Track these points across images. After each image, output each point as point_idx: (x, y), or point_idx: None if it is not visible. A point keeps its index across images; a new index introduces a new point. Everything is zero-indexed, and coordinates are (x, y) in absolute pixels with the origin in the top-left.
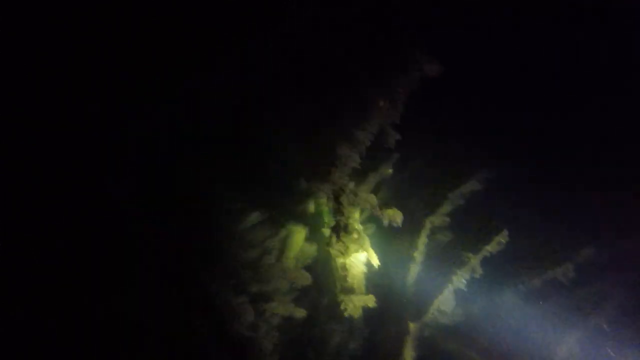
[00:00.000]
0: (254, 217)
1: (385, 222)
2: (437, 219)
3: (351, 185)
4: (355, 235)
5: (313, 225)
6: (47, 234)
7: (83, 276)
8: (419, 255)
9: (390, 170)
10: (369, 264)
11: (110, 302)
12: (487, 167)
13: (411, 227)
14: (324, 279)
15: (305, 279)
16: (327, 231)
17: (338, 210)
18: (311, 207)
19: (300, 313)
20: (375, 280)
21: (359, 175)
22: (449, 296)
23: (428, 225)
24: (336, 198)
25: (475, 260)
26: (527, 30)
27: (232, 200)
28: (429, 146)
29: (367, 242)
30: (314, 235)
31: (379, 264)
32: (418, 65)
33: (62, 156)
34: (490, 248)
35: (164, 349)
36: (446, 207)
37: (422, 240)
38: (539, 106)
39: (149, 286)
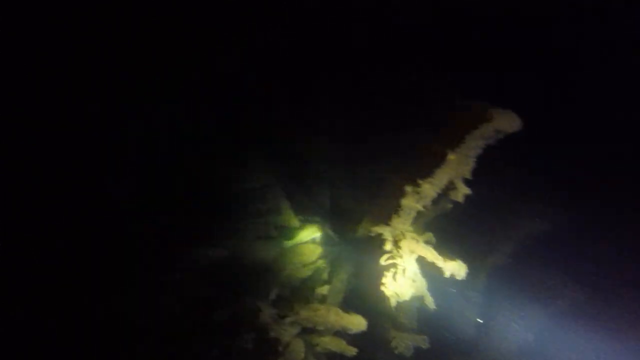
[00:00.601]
0: (311, 232)
1: (447, 274)
2: (498, 258)
3: (411, 231)
4: (412, 279)
5: (364, 249)
6: (47, 234)
7: (83, 276)
8: (476, 296)
9: (450, 205)
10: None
11: (110, 302)
12: (558, 205)
13: (470, 266)
14: (372, 304)
15: (360, 324)
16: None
17: (397, 254)
18: (363, 231)
19: (351, 351)
20: (427, 318)
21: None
22: (510, 346)
23: (488, 264)
24: (396, 242)
25: (541, 316)
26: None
27: (282, 213)
28: (488, 180)
29: (424, 285)
30: (363, 258)
31: (434, 307)
32: (494, 120)
33: (62, 156)
34: (563, 303)
35: (165, 349)
36: (509, 246)
37: (481, 281)
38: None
39: (149, 286)
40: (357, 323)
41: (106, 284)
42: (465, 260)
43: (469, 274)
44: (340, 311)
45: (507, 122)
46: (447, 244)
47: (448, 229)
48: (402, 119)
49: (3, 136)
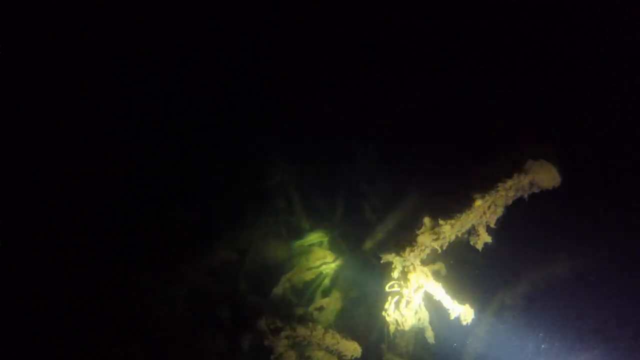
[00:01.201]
0: (319, 236)
1: (452, 317)
2: (511, 298)
3: (422, 266)
4: (415, 310)
5: (372, 265)
6: (47, 234)
7: (83, 276)
8: (481, 333)
9: (467, 236)
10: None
11: (116, 299)
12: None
13: (478, 300)
14: (370, 324)
15: (355, 351)
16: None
17: (404, 285)
18: (369, 244)
19: None
20: (427, 348)
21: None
22: None
23: (497, 302)
24: (404, 273)
25: None
26: None
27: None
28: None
29: (426, 318)
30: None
31: (434, 341)
32: (531, 173)
33: (62, 156)
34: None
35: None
36: (523, 288)
37: (487, 320)
38: None
39: (150, 286)
40: (353, 349)
41: (113, 281)
42: (475, 296)
43: (477, 309)
44: (337, 334)
45: (545, 177)
46: (457, 275)
47: (461, 258)
48: (442, 144)
49: (3, 136)
